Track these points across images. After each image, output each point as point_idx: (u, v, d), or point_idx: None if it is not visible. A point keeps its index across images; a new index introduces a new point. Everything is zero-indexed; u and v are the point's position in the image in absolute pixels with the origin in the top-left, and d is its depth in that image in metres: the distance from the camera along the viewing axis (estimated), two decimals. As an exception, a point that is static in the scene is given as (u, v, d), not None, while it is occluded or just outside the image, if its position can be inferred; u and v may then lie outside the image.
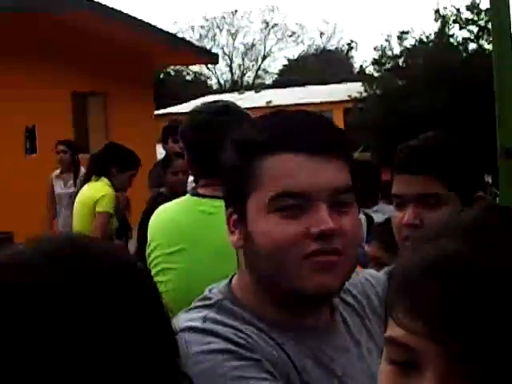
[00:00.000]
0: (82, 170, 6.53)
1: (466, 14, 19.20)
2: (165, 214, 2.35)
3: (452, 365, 0.60)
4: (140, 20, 14.48)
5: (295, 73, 36.41)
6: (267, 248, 1.05)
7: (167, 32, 17.03)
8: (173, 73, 27.49)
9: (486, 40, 17.12)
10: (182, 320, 1.09)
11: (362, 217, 3.18)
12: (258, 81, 40.06)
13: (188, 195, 2.30)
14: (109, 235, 4.76)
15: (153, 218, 2.37)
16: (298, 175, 1.06)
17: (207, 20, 39.30)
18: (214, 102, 2.53)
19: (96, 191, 4.80)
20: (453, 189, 1.51)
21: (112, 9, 13.56)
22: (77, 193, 5.11)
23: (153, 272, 2.05)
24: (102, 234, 4.57)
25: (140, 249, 2.96)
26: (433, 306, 0.61)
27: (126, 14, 14.08)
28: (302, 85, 30.41)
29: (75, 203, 4.92)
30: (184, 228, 2.21)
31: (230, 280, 1.17)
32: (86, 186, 4.91)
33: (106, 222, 4.76)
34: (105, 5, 13.30)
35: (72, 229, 5.09)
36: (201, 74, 34.31)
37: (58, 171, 7.14)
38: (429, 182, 1.49)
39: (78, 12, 12.18)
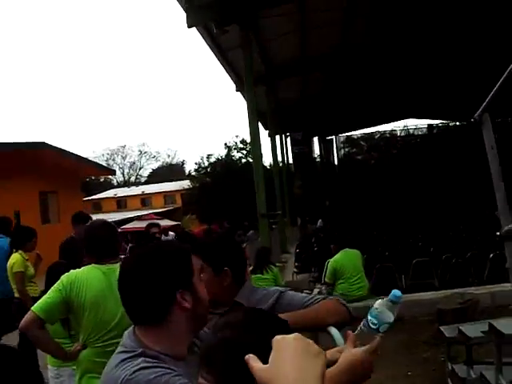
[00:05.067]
0: None
1: (240, 145, 30.46)
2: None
3: None
4: (75, 154, 20.24)
5: (156, 176, 56.60)
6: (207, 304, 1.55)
7: (88, 159, 24.56)
8: (93, 178, 40.32)
9: (250, 157, 23.66)
10: (124, 371, 1.33)
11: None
12: (137, 180, 60.85)
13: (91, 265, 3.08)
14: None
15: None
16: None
17: (110, 150, 60.48)
18: (98, 219, 3.72)
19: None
20: (207, 262, 1.81)
21: (59, 148, 18.78)
22: None
23: None
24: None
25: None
26: (214, 367, 1.03)
27: (68, 151, 19.53)
28: (161, 182, 46.09)
29: None
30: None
31: (134, 335, 1.47)
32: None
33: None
34: (55, 146, 18.50)
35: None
36: (108, 178, 51.29)
37: None
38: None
39: (46, 150, 17.73)
